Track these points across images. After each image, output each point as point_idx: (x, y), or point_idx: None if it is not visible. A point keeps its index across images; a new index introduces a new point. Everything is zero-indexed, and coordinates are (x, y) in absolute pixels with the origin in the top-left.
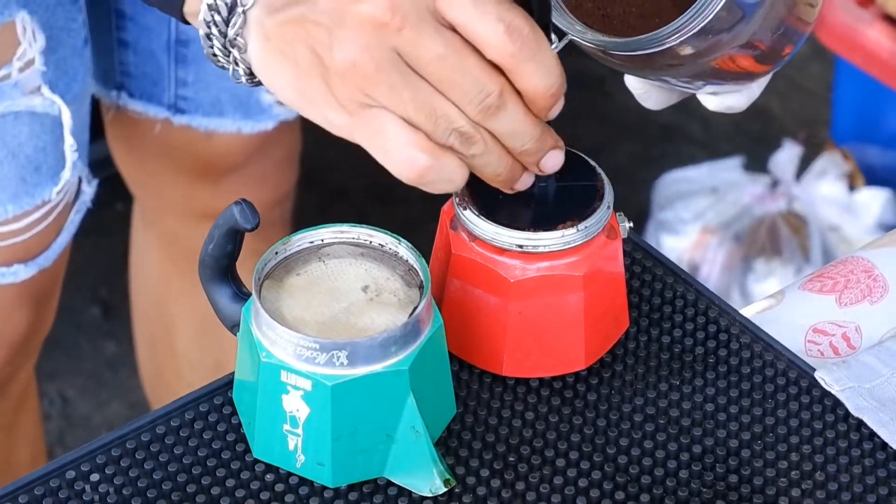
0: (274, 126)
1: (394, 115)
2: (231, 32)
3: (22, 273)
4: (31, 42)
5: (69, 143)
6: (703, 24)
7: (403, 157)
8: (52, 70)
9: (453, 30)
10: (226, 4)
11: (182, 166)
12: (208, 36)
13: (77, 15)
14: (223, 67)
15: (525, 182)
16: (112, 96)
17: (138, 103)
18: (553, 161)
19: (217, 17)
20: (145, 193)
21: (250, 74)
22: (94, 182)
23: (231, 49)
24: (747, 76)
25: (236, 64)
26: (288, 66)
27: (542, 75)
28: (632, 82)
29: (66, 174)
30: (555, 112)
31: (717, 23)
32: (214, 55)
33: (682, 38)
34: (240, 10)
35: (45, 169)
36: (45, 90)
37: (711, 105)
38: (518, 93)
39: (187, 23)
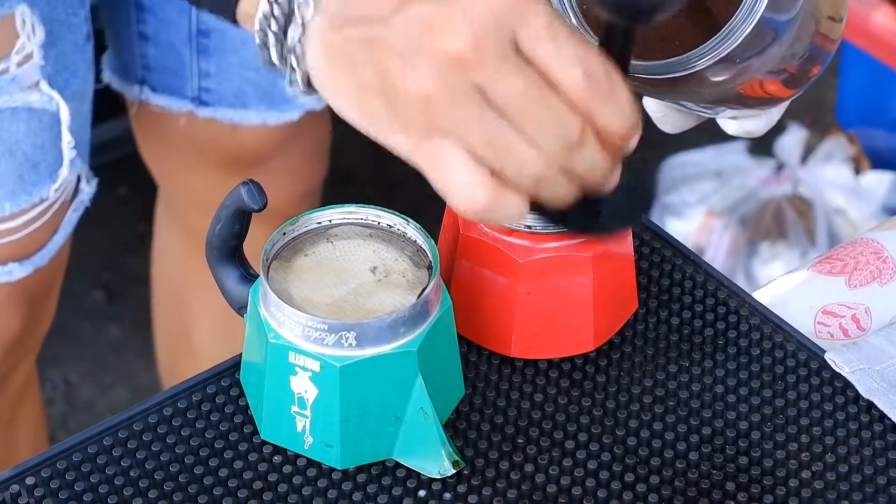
0: (300, 116)
1: (459, 148)
2: (290, 41)
3: (17, 272)
4: (30, 35)
5: (67, 140)
6: (733, 47)
7: (464, 194)
8: (51, 65)
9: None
10: (283, 14)
11: (209, 160)
12: (264, 43)
13: (79, 10)
14: (279, 74)
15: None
16: (135, 91)
17: (161, 97)
18: (612, 183)
19: (274, 26)
20: (172, 187)
21: (308, 83)
22: (94, 181)
23: (288, 56)
24: (771, 101)
25: (293, 70)
26: (352, 84)
27: (615, 117)
28: (650, 105)
29: (64, 172)
30: (628, 148)
31: (747, 47)
32: (271, 62)
33: (711, 62)
34: (299, 19)
35: (44, 167)
36: (44, 85)
37: (731, 130)
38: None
39: (238, 24)
